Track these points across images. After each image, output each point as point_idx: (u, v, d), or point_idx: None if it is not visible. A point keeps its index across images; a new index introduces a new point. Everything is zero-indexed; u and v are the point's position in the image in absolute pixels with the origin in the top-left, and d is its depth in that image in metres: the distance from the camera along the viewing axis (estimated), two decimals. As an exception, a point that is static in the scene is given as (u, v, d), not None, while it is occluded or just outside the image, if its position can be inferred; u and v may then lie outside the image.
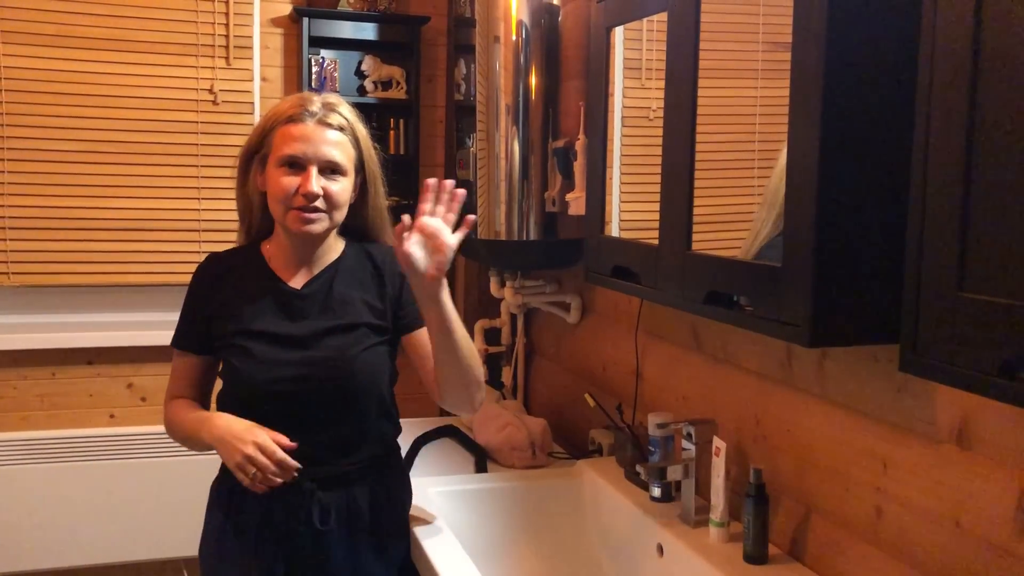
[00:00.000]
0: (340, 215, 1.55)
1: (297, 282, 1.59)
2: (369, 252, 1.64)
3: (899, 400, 1.26)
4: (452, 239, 1.37)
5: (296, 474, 1.45)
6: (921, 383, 1.21)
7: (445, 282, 1.41)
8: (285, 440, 1.45)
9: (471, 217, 1.38)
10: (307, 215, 1.50)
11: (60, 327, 3.10)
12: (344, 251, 1.63)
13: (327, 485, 1.54)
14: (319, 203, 1.50)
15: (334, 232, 1.60)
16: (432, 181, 1.38)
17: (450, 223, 1.38)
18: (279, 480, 1.44)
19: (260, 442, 1.43)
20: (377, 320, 1.58)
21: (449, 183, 1.39)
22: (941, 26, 0.89)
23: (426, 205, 1.38)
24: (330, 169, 1.51)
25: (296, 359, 1.52)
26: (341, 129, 1.54)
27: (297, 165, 1.50)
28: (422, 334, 1.58)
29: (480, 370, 1.54)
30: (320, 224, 1.52)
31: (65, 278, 3.06)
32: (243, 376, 1.52)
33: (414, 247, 1.36)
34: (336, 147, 1.52)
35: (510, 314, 2.69)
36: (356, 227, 1.65)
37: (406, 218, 1.36)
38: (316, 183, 1.49)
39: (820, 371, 1.43)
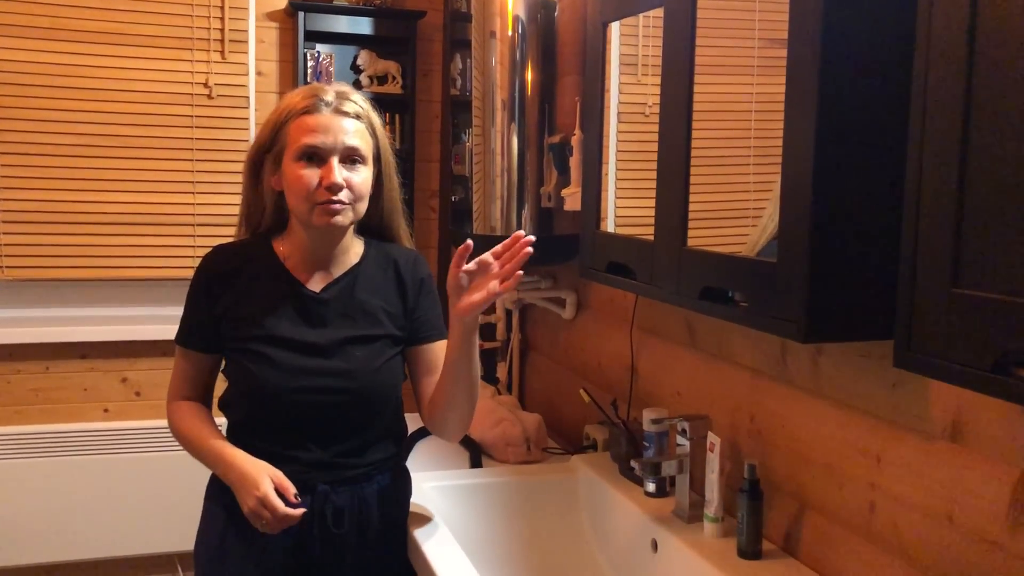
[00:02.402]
0: (363, 207, 1.51)
1: (316, 285, 1.54)
2: (393, 257, 1.60)
3: (893, 396, 1.27)
4: (496, 287, 1.38)
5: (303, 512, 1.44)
6: (915, 379, 1.21)
7: (477, 325, 1.44)
8: (291, 490, 1.44)
9: (520, 274, 1.39)
10: (332, 207, 1.45)
11: (53, 321, 3.09)
12: (364, 253, 1.59)
13: (340, 487, 1.52)
14: (343, 195, 1.45)
15: (351, 229, 1.56)
16: (519, 233, 1.40)
17: (507, 274, 1.39)
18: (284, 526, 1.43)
19: (262, 495, 1.41)
20: (396, 330, 1.56)
21: (527, 239, 1.38)
22: (937, 21, 0.89)
23: (499, 247, 1.40)
24: (351, 159, 1.47)
25: (316, 368, 1.50)
26: (358, 117, 1.50)
27: (317, 157, 1.45)
28: (434, 349, 1.59)
29: (474, 409, 1.56)
30: (345, 217, 1.47)
31: (59, 272, 3.05)
32: (260, 383, 1.48)
33: (463, 274, 1.39)
34: (355, 135, 1.48)
35: (505, 310, 2.69)
36: (371, 222, 1.60)
37: (470, 242, 1.38)
38: (339, 174, 1.45)
39: (814, 367, 1.43)
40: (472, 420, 1.58)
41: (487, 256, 1.40)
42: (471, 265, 1.39)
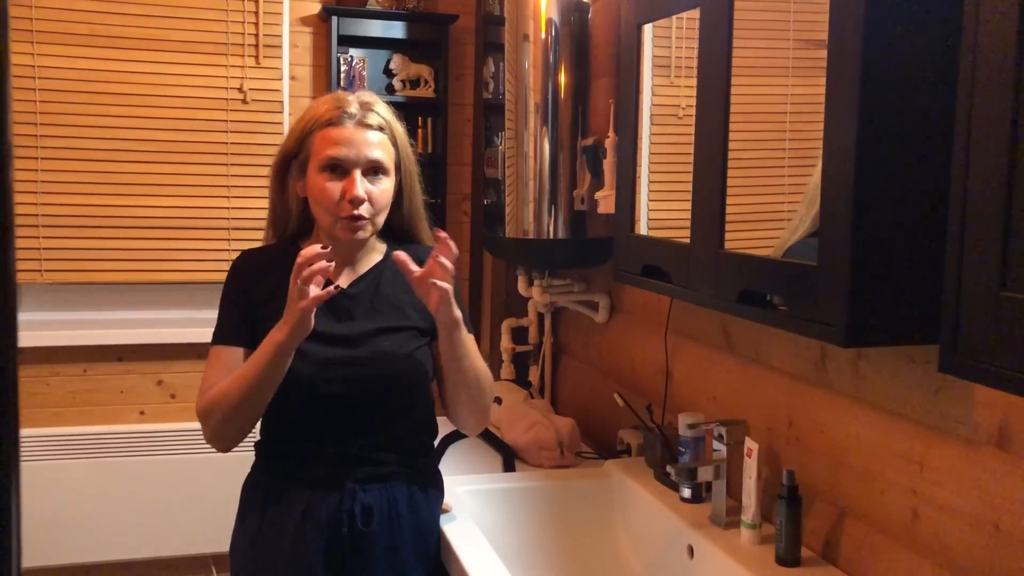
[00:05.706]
0: (382, 218, 1.55)
1: (342, 281, 1.57)
2: (418, 255, 1.60)
3: (936, 401, 1.24)
4: (434, 275, 1.41)
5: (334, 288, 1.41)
6: (959, 384, 1.19)
7: (458, 316, 1.47)
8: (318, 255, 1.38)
9: (443, 260, 1.40)
10: (355, 224, 1.49)
11: (91, 324, 3.13)
12: (387, 253, 1.62)
13: (368, 484, 1.53)
14: (364, 208, 1.48)
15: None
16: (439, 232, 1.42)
17: (438, 274, 1.41)
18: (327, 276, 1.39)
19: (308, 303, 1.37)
20: (423, 323, 1.58)
21: (445, 234, 1.41)
22: (984, 21, 0.87)
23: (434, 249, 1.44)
24: (373, 171, 1.50)
25: (345, 359, 1.52)
26: (380, 129, 1.52)
27: (340, 169, 1.49)
28: None
29: (488, 401, 1.59)
30: (366, 231, 1.51)
31: (97, 275, 3.10)
32: (290, 374, 1.49)
33: (419, 279, 1.43)
34: (377, 148, 1.51)
35: (537, 313, 2.68)
36: (393, 227, 1.63)
37: (398, 252, 1.42)
38: (361, 187, 1.47)
39: (855, 372, 1.41)
40: (489, 414, 1.63)
41: (429, 259, 1.43)
42: (423, 270, 1.42)
